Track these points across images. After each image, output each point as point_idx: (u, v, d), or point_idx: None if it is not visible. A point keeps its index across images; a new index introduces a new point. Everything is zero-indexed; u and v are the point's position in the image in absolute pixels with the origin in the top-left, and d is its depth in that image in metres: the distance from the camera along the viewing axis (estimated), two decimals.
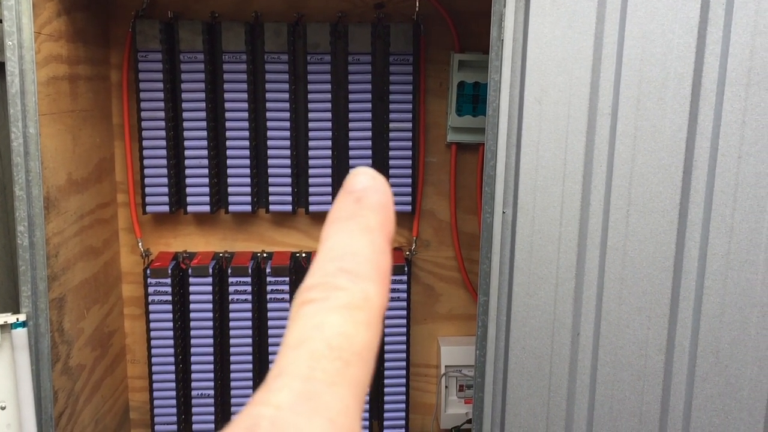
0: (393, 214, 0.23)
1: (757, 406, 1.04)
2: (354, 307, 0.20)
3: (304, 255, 1.60)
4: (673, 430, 1.09)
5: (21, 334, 1.14)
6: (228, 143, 1.52)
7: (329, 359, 0.19)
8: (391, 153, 1.54)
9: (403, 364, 1.62)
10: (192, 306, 1.55)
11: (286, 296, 1.56)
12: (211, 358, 1.57)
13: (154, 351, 1.55)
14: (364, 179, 0.23)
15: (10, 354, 1.15)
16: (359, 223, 0.22)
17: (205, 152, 1.51)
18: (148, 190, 1.51)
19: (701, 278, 1.04)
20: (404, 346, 1.61)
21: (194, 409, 1.59)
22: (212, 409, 1.59)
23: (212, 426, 1.60)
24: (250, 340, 1.57)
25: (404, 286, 1.57)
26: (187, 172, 1.52)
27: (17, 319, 1.13)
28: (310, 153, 1.53)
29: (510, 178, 1.13)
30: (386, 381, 1.62)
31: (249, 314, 1.56)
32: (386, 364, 1.61)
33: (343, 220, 0.22)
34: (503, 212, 1.14)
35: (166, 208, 1.52)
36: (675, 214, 1.04)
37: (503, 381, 1.18)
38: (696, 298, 1.05)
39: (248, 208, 1.55)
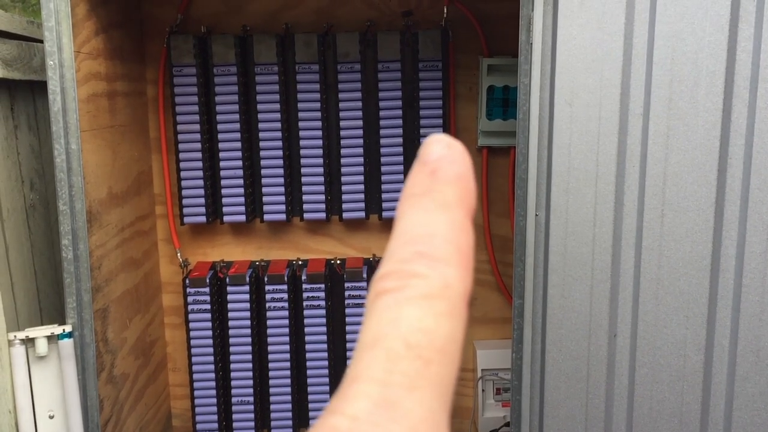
0: (473, 185, 0.21)
1: None
2: (433, 296, 0.18)
3: (338, 262, 1.61)
4: (714, 430, 1.08)
5: (67, 344, 1.17)
6: (262, 153, 1.55)
7: (408, 359, 0.17)
8: None
9: None
10: (230, 314, 1.57)
11: (322, 303, 1.57)
12: (250, 365, 1.59)
13: (194, 359, 1.58)
14: (438, 148, 0.21)
15: (57, 364, 1.18)
16: (435, 198, 0.20)
17: (239, 163, 1.54)
18: (185, 201, 1.55)
19: (739, 277, 1.03)
20: None
21: (234, 416, 1.62)
22: (252, 415, 1.62)
23: None
24: (287, 347, 1.59)
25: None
26: (223, 182, 1.55)
27: (63, 330, 1.17)
28: (343, 161, 1.55)
29: (542, 180, 1.13)
30: None
31: (286, 321, 1.58)
32: None
33: (418, 196, 0.20)
34: (536, 215, 1.14)
35: (203, 219, 1.55)
36: (711, 212, 1.04)
37: (540, 383, 1.18)
38: (734, 296, 1.04)
39: (283, 216, 1.57)
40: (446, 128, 1.55)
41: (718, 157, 1.02)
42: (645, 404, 1.11)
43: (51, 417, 1.19)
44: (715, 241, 1.04)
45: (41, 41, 1.31)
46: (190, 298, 1.55)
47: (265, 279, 1.56)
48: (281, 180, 1.55)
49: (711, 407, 1.07)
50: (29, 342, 1.16)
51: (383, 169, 1.56)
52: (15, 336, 1.15)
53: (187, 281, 1.55)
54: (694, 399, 1.08)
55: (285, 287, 1.56)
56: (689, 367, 1.08)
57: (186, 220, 1.56)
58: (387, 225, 1.64)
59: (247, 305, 1.57)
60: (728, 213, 1.03)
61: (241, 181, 1.54)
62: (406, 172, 1.56)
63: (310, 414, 1.64)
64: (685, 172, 1.04)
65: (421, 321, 0.18)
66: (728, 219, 1.03)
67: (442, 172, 0.20)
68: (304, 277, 1.56)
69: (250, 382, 1.60)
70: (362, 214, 1.57)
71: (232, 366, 1.60)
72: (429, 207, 0.20)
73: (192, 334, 1.57)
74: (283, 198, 1.56)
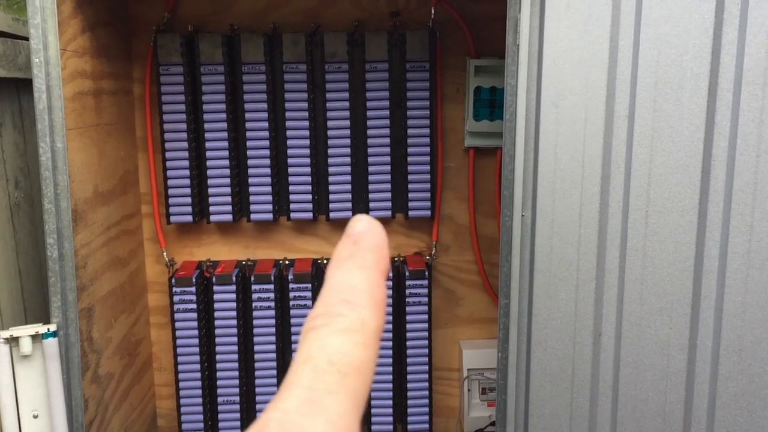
0: (387, 253, 0.26)
1: None
2: (352, 330, 0.23)
3: (325, 261, 1.61)
4: (697, 429, 1.09)
5: (52, 344, 1.16)
6: (249, 153, 1.54)
7: (329, 372, 0.22)
8: (409, 159, 1.56)
9: (426, 368, 1.63)
10: (216, 314, 1.57)
11: (309, 302, 1.57)
12: (236, 364, 1.59)
13: (180, 359, 1.58)
14: (361, 225, 0.27)
15: (41, 363, 1.17)
16: (357, 261, 0.25)
17: (226, 162, 1.53)
18: (171, 200, 1.54)
19: (722, 277, 1.05)
20: (426, 350, 1.62)
21: (220, 415, 1.61)
22: (238, 414, 1.61)
23: None
24: (273, 347, 1.59)
25: (425, 291, 1.58)
26: (210, 182, 1.54)
27: (48, 329, 1.16)
28: (330, 160, 1.55)
29: (528, 181, 1.14)
30: (409, 385, 1.63)
31: (272, 321, 1.58)
32: (409, 368, 1.62)
33: (343, 260, 0.26)
34: (522, 215, 1.15)
35: (189, 218, 1.55)
36: (694, 214, 1.05)
37: (526, 383, 1.19)
38: (717, 297, 1.05)
39: (270, 216, 1.57)
40: (433, 129, 1.55)
41: (702, 158, 1.03)
42: (629, 403, 1.12)
43: (35, 417, 1.18)
44: (699, 242, 1.05)
45: (26, 39, 1.30)
46: (176, 298, 1.55)
47: (252, 278, 1.56)
48: (268, 179, 1.55)
49: (694, 406, 1.09)
50: (13, 341, 1.16)
51: (370, 169, 1.56)
52: None
53: (173, 281, 1.55)
54: (678, 398, 1.09)
55: (272, 287, 1.56)
56: (673, 367, 1.09)
57: (172, 219, 1.55)
58: None
59: (234, 305, 1.56)
60: (711, 214, 1.04)
61: (227, 181, 1.54)
62: (393, 173, 1.57)
63: None
64: (670, 174, 1.05)
65: (342, 346, 0.23)
66: (711, 220, 1.04)
67: (363, 242, 0.26)
68: (290, 277, 1.56)
69: (236, 381, 1.60)
70: (349, 214, 1.57)
71: (218, 366, 1.60)
72: (351, 267, 0.25)
73: (178, 333, 1.57)
74: (270, 197, 1.56)
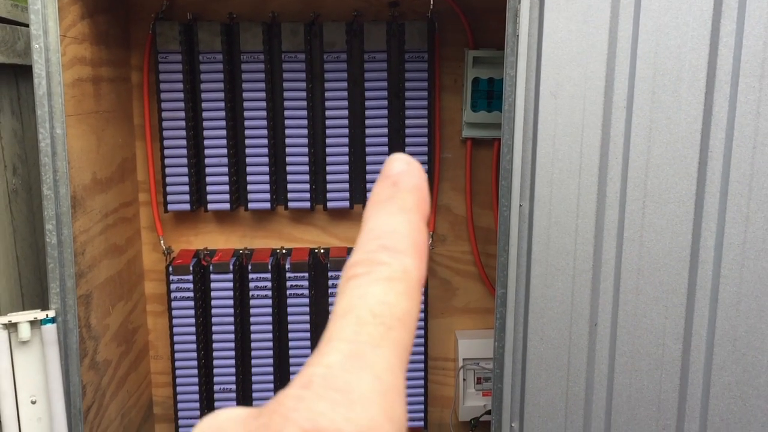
0: (427, 195, 0.25)
1: None
2: (394, 279, 0.22)
3: (322, 251, 1.62)
4: (691, 418, 1.10)
5: (50, 330, 1.17)
6: (247, 142, 1.55)
7: (373, 324, 0.21)
8: (407, 149, 1.56)
9: (422, 357, 1.64)
10: (213, 302, 1.57)
11: (306, 291, 1.58)
12: (233, 353, 1.60)
13: (176, 347, 1.58)
14: (399, 165, 0.25)
15: (39, 349, 1.18)
16: (396, 204, 0.24)
17: (224, 151, 1.53)
18: (169, 188, 1.54)
19: (718, 268, 1.06)
20: (422, 340, 1.63)
21: (217, 404, 1.62)
22: (234, 403, 1.62)
23: None
24: (270, 335, 1.60)
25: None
26: (208, 170, 1.54)
27: (47, 315, 1.16)
28: (328, 150, 1.55)
29: (526, 171, 1.14)
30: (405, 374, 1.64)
31: (269, 309, 1.58)
32: None
33: (382, 202, 0.24)
34: (520, 205, 1.15)
35: (187, 207, 1.55)
36: (691, 204, 1.06)
37: (522, 372, 1.20)
38: (713, 287, 1.06)
39: (267, 205, 1.57)
40: (431, 119, 1.56)
41: (699, 150, 1.04)
42: (624, 392, 1.13)
43: (33, 402, 1.19)
44: (695, 232, 1.06)
45: (25, 25, 1.30)
46: (173, 286, 1.55)
47: (249, 267, 1.56)
48: (266, 168, 1.55)
49: (688, 395, 1.10)
50: (12, 327, 1.16)
51: (368, 159, 1.57)
52: None
53: (170, 269, 1.55)
54: (672, 387, 1.10)
55: (269, 276, 1.57)
56: (668, 356, 1.10)
57: (170, 207, 1.56)
58: None
59: (231, 293, 1.57)
60: (708, 205, 1.05)
61: (225, 169, 1.54)
62: None
63: None
64: (667, 165, 1.06)
65: (384, 297, 0.22)
66: (708, 211, 1.05)
67: (402, 183, 0.25)
68: (287, 266, 1.57)
69: (233, 370, 1.61)
70: (347, 203, 1.58)
71: (215, 354, 1.60)
72: (391, 210, 0.24)
73: (175, 321, 1.57)
74: (267, 187, 1.56)
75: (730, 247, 1.04)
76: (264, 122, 1.54)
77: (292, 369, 1.63)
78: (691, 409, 1.10)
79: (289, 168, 1.56)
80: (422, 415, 1.66)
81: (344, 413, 0.19)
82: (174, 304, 1.56)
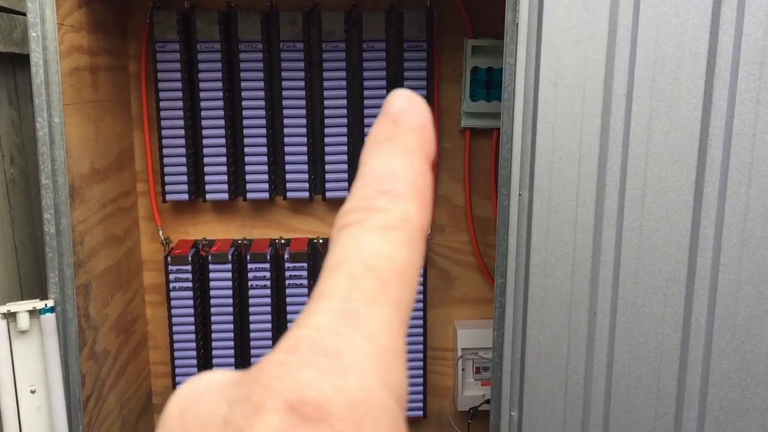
0: (432, 134, 0.23)
1: None
2: (393, 227, 0.20)
3: (321, 241, 1.62)
4: (690, 406, 1.11)
5: (49, 319, 1.16)
6: (245, 131, 1.54)
7: (368, 279, 0.19)
8: None
9: (421, 347, 1.64)
10: (212, 292, 1.57)
11: (305, 281, 1.58)
12: (232, 343, 1.60)
13: (175, 337, 1.58)
14: (401, 101, 0.23)
15: (39, 339, 1.17)
16: (397, 144, 0.22)
17: (222, 141, 1.53)
18: (167, 178, 1.54)
19: (717, 256, 1.06)
20: (421, 330, 1.63)
21: None
22: None
23: None
24: (269, 325, 1.60)
25: (420, 271, 1.59)
26: (206, 160, 1.54)
27: (46, 305, 1.16)
28: (326, 140, 1.55)
29: (526, 160, 1.14)
30: None
31: (268, 300, 1.58)
32: None
33: (380, 142, 0.22)
34: (519, 194, 1.15)
35: (185, 197, 1.55)
36: (690, 193, 1.06)
37: (521, 361, 1.20)
38: (712, 276, 1.06)
39: (266, 195, 1.57)
40: (430, 109, 1.55)
41: (699, 138, 1.04)
42: (623, 381, 1.13)
43: (32, 392, 1.19)
44: (694, 221, 1.06)
45: (22, 13, 1.29)
46: (171, 276, 1.55)
47: (248, 257, 1.56)
48: (264, 158, 1.55)
49: (687, 383, 1.10)
50: (10, 316, 1.16)
51: None
52: None
53: (169, 259, 1.55)
54: (671, 375, 1.10)
55: (267, 266, 1.56)
56: (667, 345, 1.10)
57: (168, 197, 1.55)
58: None
59: (230, 283, 1.57)
60: (707, 193, 1.05)
61: (224, 159, 1.54)
62: None
63: None
64: (667, 153, 1.06)
65: (381, 247, 0.19)
66: (707, 199, 1.05)
67: (403, 122, 0.22)
68: (286, 256, 1.57)
69: (232, 360, 1.61)
70: (346, 193, 1.58)
71: (214, 344, 1.60)
72: (390, 151, 0.21)
73: (173, 312, 1.57)
74: (266, 176, 1.56)
75: (729, 235, 1.04)
76: (262, 112, 1.53)
77: None
78: (689, 397, 1.10)
79: (287, 158, 1.55)
80: (421, 405, 1.67)
81: (334, 381, 0.17)
82: (173, 294, 1.56)
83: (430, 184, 0.22)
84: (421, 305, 1.61)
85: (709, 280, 1.07)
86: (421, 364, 1.65)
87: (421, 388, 1.66)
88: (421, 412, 1.67)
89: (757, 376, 1.06)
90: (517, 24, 1.10)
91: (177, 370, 1.60)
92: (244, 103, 1.53)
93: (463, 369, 1.68)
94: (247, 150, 1.55)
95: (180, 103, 1.51)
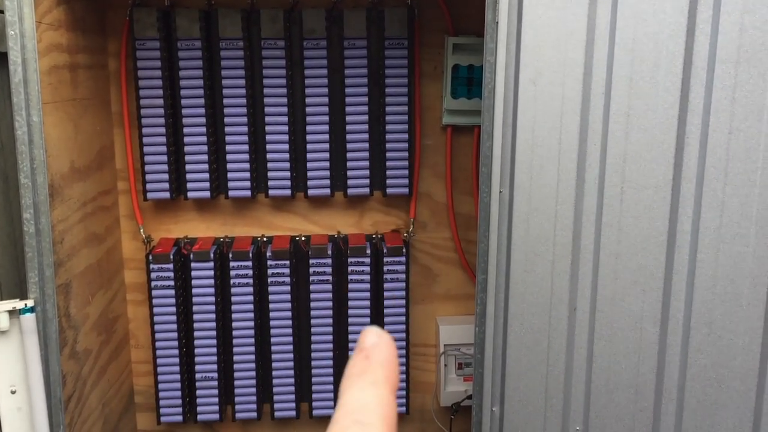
0: (397, 366, 0.29)
1: (750, 375, 1.08)
2: None
3: (303, 238, 1.62)
4: (668, 400, 1.12)
5: (29, 319, 1.16)
6: (227, 129, 1.54)
7: None
8: (387, 136, 1.56)
9: (403, 344, 1.64)
10: (194, 291, 1.57)
11: (287, 279, 1.58)
12: (214, 341, 1.60)
13: (157, 336, 1.58)
14: (371, 338, 0.29)
15: (19, 339, 1.17)
16: (368, 378, 0.27)
17: (204, 138, 1.53)
18: (148, 176, 1.53)
19: (694, 252, 1.07)
20: (404, 326, 1.63)
21: (198, 392, 1.62)
22: (216, 391, 1.62)
23: (217, 408, 1.63)
24: (252, 323, 1.60)
25: (403, 267, 1.60)
26: (187, 158, 1.53)
27: (25, 305, 1.16)
28: (308, 137, 1.55)
29: (506, 158, 1.15)
30: None
31: (251, 297, 1.58)
32: None
33: (355, 375, 0.28)
34: (500, 191, 1.16)
35: (166, 195, 1.54)
36: (668, 190, 1.07)
37: (502, 356, 1.21)
38: (689, 271, 1.08)
39: (248, 193, 1.57)
40: (411, 106, 1.56)
41: (676, 136, 1.05)
42: (602, 375, 1.15)
43: (13, 392, 1.18)
44: (672, 217, 1.08)
45: (1, 11, 1.28)
46: (153, 275, 1.55)
47: (230, 255, 1.56)
48: (246, 156, 1.55)
49: (665, 377, 1.11)
50: None
51: (349, 146, 1.57)
52: None
53: (151, 257, 1.54)
54: (650, 369, 1.12)
55: (250, 264, 1.56)
56: (645, 340, 1.12)
57: (149, 195, 1.55)
58: (352, 202, 1.65)
59: (212, 281, 1.57)
60: (684, 190, 1.06)
61: (205, 157, 1.54)
62: (371, 150, 1.58)
63: (274, 390, 1.65)
64: (645, 151, 1.07)
65: None
66: (684, 196, 1.06)
67: (373, 357, 0.28)
68: (268, 254, 1.57)
69: (215, 358, 1.61)
70: (327, 191, 1.58)
71: (196, 342, 1.60)
72: (363, 386, 0.27)
73: (155, 310, 1.57)
74: (248, 174, 1.56)
75: (706, 231, 1.06)
76: (244, 110, 1.53)
77: (273, 357, 1.63)
78: (668, 391, 1.12)
79: (269, 155, 1.55)
80: (404, 401, 1.67)
81: None
82: (154, 293, 1.56)
83: (395, 410, 0.27)
84: (403, 302, 1.62)
85: (686, 276, 1.08)
86: (403, 360, 1.65)
87: (403, 384, 1.66)
88: (404, 408, 1.68)
89: (733, 370, 1.08)
90: (497, 23, 1.11)
91: (159, 369, 1.59)
92: (225, 101, 1.53)
93: (445, 365, 1.69)
94: (228, 148, 1.55)
95: (161, 101, 1.50)
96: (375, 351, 0.28)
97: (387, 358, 0.28)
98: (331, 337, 1.62)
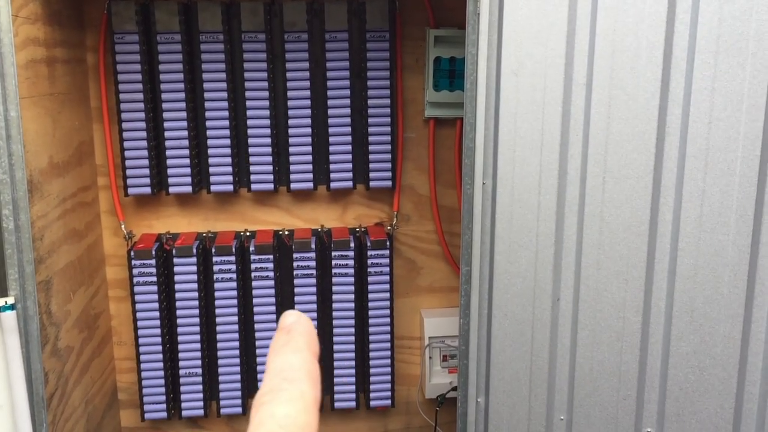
0: (315, 337, 0.32)
1: (731, 362, 1.09)
2: (294, 399, 0.28)
3: (286, 233, 1.61)
4: (650, 388, 1.13)
5: (10, 316, 1.14)
6: (208, 123, 1.53)
7: None
8: (370, 129, 1.56)
9: (388, 336, 1.65)
10: (177, 286, 1.56)
11: (271, 274, 1.57)
12: (198, 337, 1.59)
13: (140, 332, 1.57)
14: (291, 318, 0.32)
15: None
16: (291, 346, 0.31)
17: (185, 133, 1.51)
18: (129, 172, 1.52)
19: (675, 241, 1.08)
20: (388, 320, 1.64)
21: (182, 387, 1.61)
22: (200, 387, 1.61)
23: (201, 404, 1.62)
24: (235, 318, 1.59)
25: (386, 260, 1.60)
26: (168, 153, 1.52)
27: (6, 302, 1.14)
28: (290, 131, 1.54)
29: (489, 149, 1.15)
30: (371, 354, 1.65)
31: (234, 293, 1.58)
32: (371, 338, 1.64)
33: (279, 347, 0.31)
34: (483, 183, 1.16)
35: (147, 190, 1.53)
36: (649, 179, 1.08)
37: (487, 347, 1.21)
38: (671, 260, 1.09)
39: (230, 187, 1.56)
40: (393, 99, 1.56)
41: (657, 126, 1.06)
42: (586, 364, 1.15)
43: None
44: (653, 207, 1.08)
45: None
46: (135, 271, 1.53)
47: (213, 250, 1.55)
48: (228, 150, 1.54)
49: (648, 366, 1.12)
50: None
51: (331, 140, 1.56)
52: None
53: (132, 253, 1.53)
54: (632, 358, 1.13)
55: (233, 258, 1.56)
56: (628, 328, 1.13)
57: (130, 191, 1.53)
58: (335, 196, 1.64)
59: (195, 277, 1.56)
60: (665, 180, 1.07)
61: (186, 152, 1.52)
62: (353, 143, 1.57)
63: (259, 384, 1.64)
64: (626, 141, 1.07)
65: (287, 412, 0.28)
66: (665, 185, 1.07)
67: (294, 331, 0.31)
68: (252, 249, 1.56)
69: (198, 354, 1.60)
70: (310, 185, 1.57)
71: (180, 338, 1.59)
72: (287, 352, 0.30)
73: (138, 306, 1.55)
74: (230, 168, 1.55)
75: (687, 220, 1.07)
76: (225, 104, 1.52)
77: (258, 351, 1.63)
78: (650, 379, 1.13)
79: (251, 150, 1.55)
80: (389, 393, 1.68)
81: None
82: (137, 289, 1.54)
83: (318, 369, 0.30)
84: (387, 295, 1.62)
85: (668, 264, 1.09)
86: (388, 353, 1.66)
87: (388, 377, 1.67)
88: (389, 401, 1.68)
89: (715, 357, 1.09)
90: (479, 14, 1.11)
91: (142, 365, 1.58)
92: (206, 95, 1.51)
93: (430, 357, 1.70)
94: (210, 142, 1.54)
95: (140, 96, 1.49)
96: (294, 326, 0.32)
97: (306, 330, 0.32)
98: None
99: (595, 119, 1.08)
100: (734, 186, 1.04)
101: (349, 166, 1.58)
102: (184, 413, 1.62)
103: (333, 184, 1.58)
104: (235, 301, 1.58)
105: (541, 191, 1.13)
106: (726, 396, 1.10)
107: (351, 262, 1.59)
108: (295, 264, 1.58)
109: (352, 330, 1.64)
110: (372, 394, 1.67)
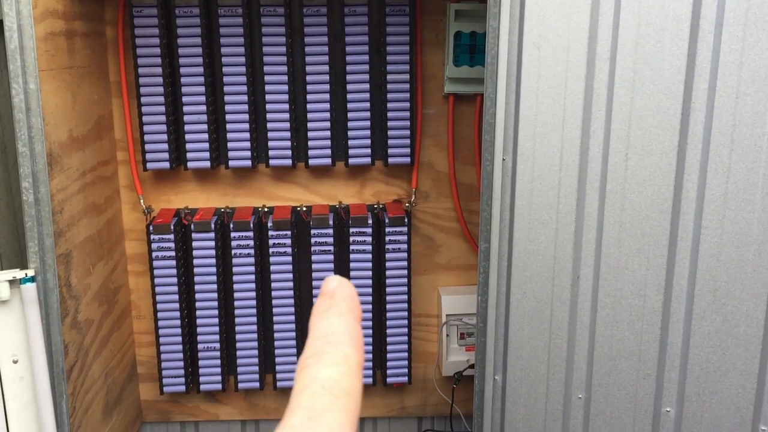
0: (358, 302, 0.32)
1: (754, 341, 1.07)
2: (338, 362, 0.28)
3: (304, 209, 1.61)
4: (671, 367, 1.12)
5: (30, 289, 1.15)
6: (226, 98, 1.52)
7: (324, 395, 0.27)
8: (389, 105, 1.54)
9: (405, 314, 1.64)
10: (195, 261, 1.56)
11: (288, 249, 1.57)
12: (216, 311, 1.59)
13: (159, 306, 1.57)
14: (333, 283, 0.32)
15: (20, 309, 1.16)
16: (334, 311, 0.31)
17: (203, 108, 1.51)
18: (148, 147, 1.52)
19: (699, 219, 1.06)
20: (405, 297, 1.63)
21: (201, 362, 1.62)
22: (218, 361, 1.62)
23: (219, 378, 1.63)
24: (253, 293, 1.59)
25: (404, 237, 1.59)
26: (187, 128, 1.52)
27: (26, 275, 1.15)
28: (309, 107, 1.53)
29: (509, 125, 1.14)
30: (388, 331, 1.65)
31: (252, 268, 1.58)
32: (388, 315, 1.64)
33: (322, 312, 0.31)
34: (503, 159, 1.15)
35: (166, 165, 1.53)
36: (673, 156, 1.06)
37: (505, 325, 1.20)
38: (694, 238, 1.07)
39: (248, 163, 1.56)
40: (413, 75, 1.54)
41: (682, 101, 1.04)
42: (605, 343, 1.14)
43: (15, 361, 1.18)
44: (677, 184, 1.06)
45: None
46: (154, 245, 1.54)
47: (231, 226, 1.55)
48: (246, 126, 1.53)
49: (669, 345, 1.11)
50: None
51: (350, 115, 1.55)
52: None
53: (151, 228, 1.53)
54: (653, 337, 1.12)
55: (251, 234, 1.56)
56: (648, 307, 1.11)
57: (149, 166, 1.53)
58: (353, 172, 1.63)
59: (213, 252, 1.56)
60: (690, 156, 1.05)
61: (205, 127, 1.52)
62: (372, 119, 1.56)
63: (276, 360, 1.65)
64: (650, 116, 1.05)
65: (331, 375, 0.28)
66: (690, 162, 1.05)
67: (337, 296, 0.31)
68: (270, 224, 1.56)
69: (216, 329, 1.61)
70: (328, 161, 1.57)
71: (198, 313, 1.60)
72: (330, 316, 0.30)
73: (157, 281, 1.56)
74: (248, 144, 1.54)
75: (711, 198, 1.05)
76: (243, 78, 1.51)
77: (275, 327, 1.63)
78: (671, 358, 1.12)
79: (269, 125, 1.54)
80: (406, 371, 1.68)
81: None
82: (155, 263, 1.55)
83: (362, 334, 0.31)
84: (405, 272, 1.62)
85: (691, 243, 1.07)
86: (405, 330, 1.65)
87: (405, 354, 1.67)
88: (405, 378, 1.68)
89: (737, 337, 1.08)
90: None
91: (161, 339, 1.60)
92: (225, 69, 1.51)
93: (447, 335, 1.69)
94: (228, 117, 1.53)
95: (159, 70, 1.48)
96: (337, 291, 0.32)
97: (348, 295, 0.32)
98: None
99: (619, 94, 1.06)
100: (761, 163, 1.02)
101: (368, 142, 1.57)
102: (203, 387, 1.64)
103: (351, 160, 1.57)
104: (252, 277, 1.58)
105: (563, 168, 1.11)
106: (748, 376, 1.08)
107: (369, 239, 1.58)
108: (312, 240, 1.58)
109: (370, 307, 1.63)
110: (389, 371, 1.67)
